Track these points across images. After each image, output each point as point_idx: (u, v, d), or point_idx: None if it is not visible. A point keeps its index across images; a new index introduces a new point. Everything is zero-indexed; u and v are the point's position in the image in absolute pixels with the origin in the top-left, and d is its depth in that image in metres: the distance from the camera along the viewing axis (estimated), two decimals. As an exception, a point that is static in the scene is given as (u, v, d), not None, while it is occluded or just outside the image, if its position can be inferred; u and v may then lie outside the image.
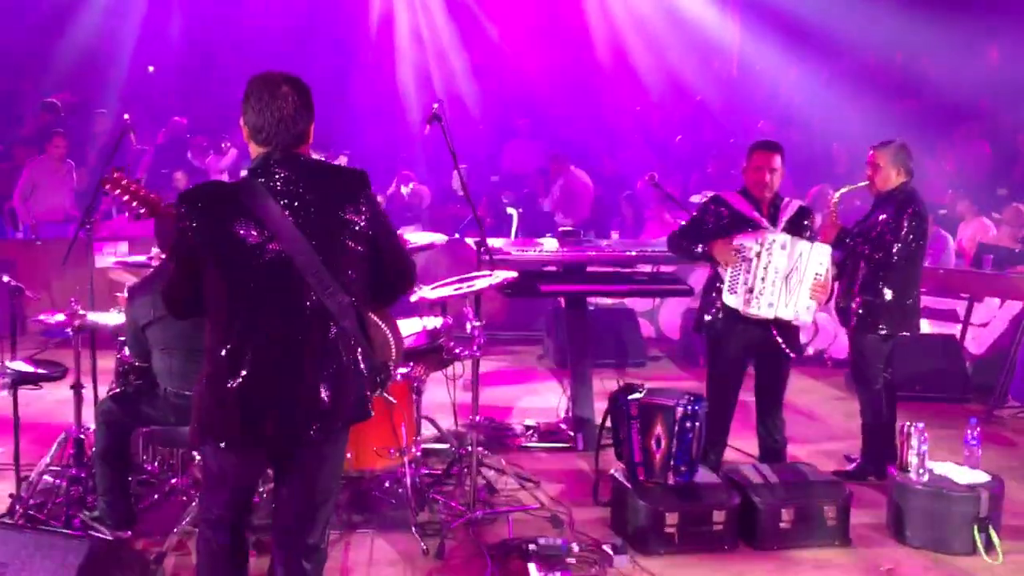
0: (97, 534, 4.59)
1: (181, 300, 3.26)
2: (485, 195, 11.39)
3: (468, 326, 5.13)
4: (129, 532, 4.77)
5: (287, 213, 3.07)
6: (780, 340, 5.32)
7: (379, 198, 9.15)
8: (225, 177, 10.97)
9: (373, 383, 3.32)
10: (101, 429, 4.80)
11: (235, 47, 14.91)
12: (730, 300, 5.24)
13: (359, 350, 3.20)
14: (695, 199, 9.53)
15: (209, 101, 13.71)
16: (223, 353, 3.09)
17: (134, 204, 3.48)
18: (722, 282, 5.32)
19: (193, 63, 15.00)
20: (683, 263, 7.28)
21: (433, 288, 5.30)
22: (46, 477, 5.17)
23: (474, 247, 5.63)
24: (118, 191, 3.47)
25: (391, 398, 4.83)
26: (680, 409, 4.93)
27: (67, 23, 13.97)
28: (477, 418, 5.25)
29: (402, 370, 5.01)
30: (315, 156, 3.36)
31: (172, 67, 14.66)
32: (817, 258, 5.23)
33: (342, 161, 9.73)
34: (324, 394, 3.13)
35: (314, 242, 3.08)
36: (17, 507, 4.87)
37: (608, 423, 5.33)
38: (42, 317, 5.14)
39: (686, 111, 14.41)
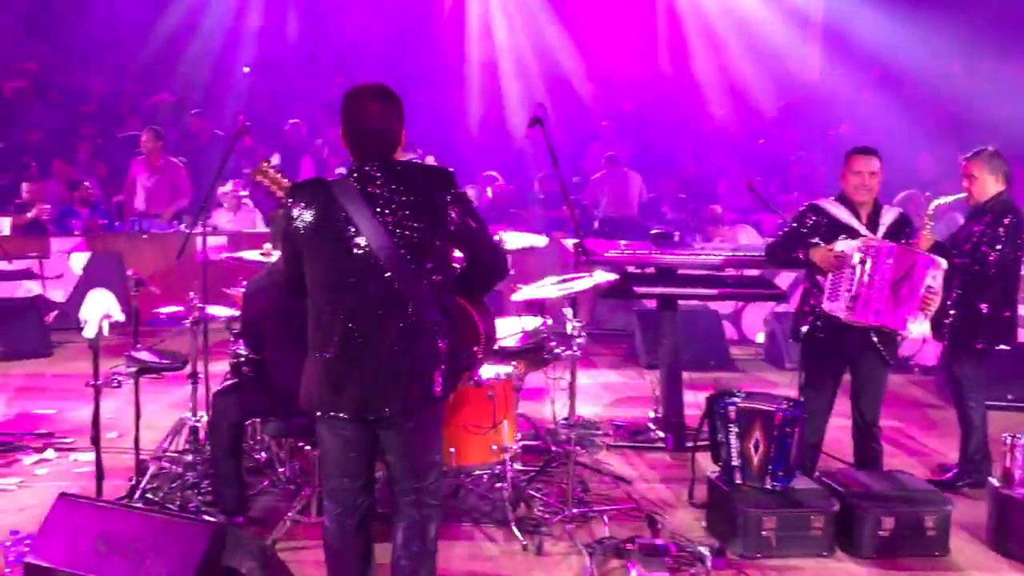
0: (212, 519, 4.70)
1: (290, 282, 3.54)
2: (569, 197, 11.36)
3: (568, 326, 5.14)
4: (241, 518, 4.88)
5: (375, 211, 3.32)
6: (880, 347, 5.23)
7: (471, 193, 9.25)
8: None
9: (455, 367, 3.51)
10: (217, 418, 4.92)
11: (332, 49, 15.15)
12: (831, 307, 5.16)
13: (439, 337, 3.40)
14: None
15: (307, 101, 13.93)
16: (317, 332, 3.43)
17: (280, 195, 3.62)
18: (820, 290, 5.24)
19: (291, 64, 15.25)
20: (774, 268, 7.19)
21: (534, 288, 5.33)
22: (163, 463, 5.33)
23: (570, 248, 5.64)
24: (267, 182, 3.63)
25: (489, 390, 4.86)
26: (780, 414, 4.88)
27: (166, 25, 14.33)
28: (575, 417, 5.27)
29: (505, 369, 5.05)
30: (406, 156, 3.51)
31: (270, 68, 14.91)
32: (931, 270, 5.09)
33: (429, 161, 9.81)
34: (402, 375, 3.37)
35: (399, 239, 3.32)
36: (137, 491, 5.03)
37: (704, 426, 5.30)
38: (161, 309, 5.29)
39: (769, 116, 14.24)
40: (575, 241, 5.62)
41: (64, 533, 4.04)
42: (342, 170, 9.56)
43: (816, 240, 5.22)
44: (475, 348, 3.73)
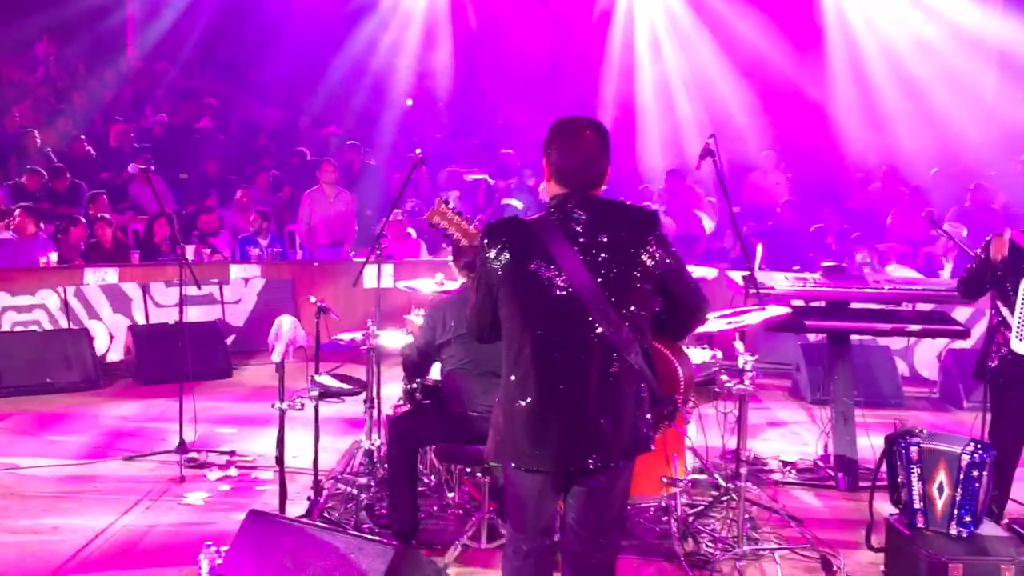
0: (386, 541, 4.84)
1: (483, 325, 3.42)
2: (728, 227, 11.24)
3: (740, 360, 5.07)
4: (413, 541, 5.01)
5: (577, 251, 3.21)
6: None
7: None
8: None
9: (658, 416, 3.39)
10: (392, 444, 5.07)
11: (496, 77, 15.49)
12: (1020, 347, 4.91)
13: (642, 383, 3.27)
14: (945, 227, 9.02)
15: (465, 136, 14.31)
16: (512, 379, 3.28)
17: (457, 236, 3.65)
18: (1008, 327, 5.00)
19: (453, 94, 15.69)
20: (949, 303, 6.91)
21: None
22: (339, 484, 5.52)
23: (737, 281, 5.58)
24: (445, 223, 3.67)
25: (680, 430, 4.85)
26: (967, 456, 4.66)
27: (336, 59, 14.99)
28: (746, 452, 5.18)
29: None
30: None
31: (429, 100, 15.39)
32: None
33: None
34: (604, 425, 3.22)
35: (602, 280, 3.19)
36: (315, 510, 5.23)
37: (883, 465, 5.11)
38: (340, 336, 5.51)
39: (941, 143, 13.69)
40: (745, 274, 5.55)
41: (254, 548, 4.25)
42: (511, 201, 9.72)
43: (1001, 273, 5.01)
44: (676, 396, 3.60)
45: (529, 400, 3.24)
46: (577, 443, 3.23)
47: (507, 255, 3.26)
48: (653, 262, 3.25)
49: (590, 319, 3.19)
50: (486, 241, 3.31)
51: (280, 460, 5.04)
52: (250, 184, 12.23)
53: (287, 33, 14.87)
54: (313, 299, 5.43)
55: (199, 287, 8.11)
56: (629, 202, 3.53)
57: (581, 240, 3.22)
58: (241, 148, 13.82)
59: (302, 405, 5.08)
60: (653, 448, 3.39)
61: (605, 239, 3.23)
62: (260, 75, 15.34)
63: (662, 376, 3.41)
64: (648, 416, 3.32)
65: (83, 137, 12.69)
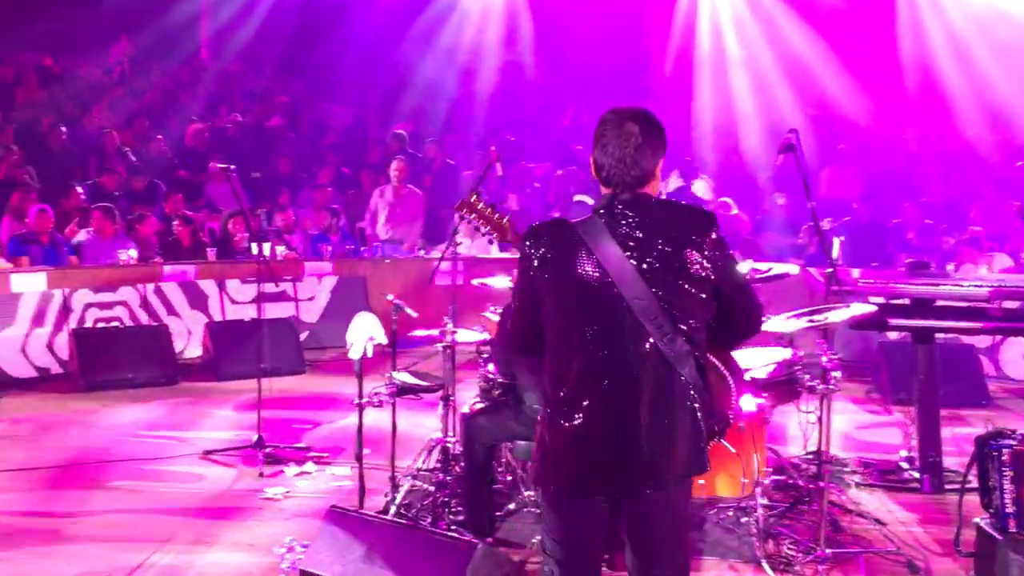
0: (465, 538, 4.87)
1: (524, 336, 3.16)
2: (806, 222, 11.06)
3: (824, 359, 4.99)
4: (490, 539, 5.02)
5: (627, 255, 2.95)
6: None
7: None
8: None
9: (711, 432, 3.15)
10: (469, 441, 5.09)
11: (568, 76, 15.47)
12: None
13: (697, 398, 3.02)
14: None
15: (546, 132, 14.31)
16: (561, 395, 3.01)
17: (487, 228, 3.61)
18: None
19: (529, 95, 15.72)
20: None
21: (786, 319, 5.21)
22: (415, 481, 5.56)
23: (817, 277, 5.49)
24: (473, 215, 3.62)
25: (731, 447, 4.79)
26: (1062, 460, 4.53)
27: (407, 57, 15.11)
28: (829, 453, 5.10)
29: (756, 400, 4.96)
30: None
31: (507, 98, 15.42)
32: None
33: (674, 179, 9.80)
34: (659, 445, 2.97)
35: (654, 287, 2.94)
36: (391, 506, 5.28)
37: (973, 468, 4.99)
38: (417, 332, 5.55)
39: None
40: (829, 271, 5.46)
41: (335, 543, 4.31)
42: (583, 198, 9.68)
43: None
44: (728, 411, 3.45)
45: (579, 419, 2.97)
46: (630, 467, 2.97)
47: (552, 260, 3.00)
48: (709, 267, 2.99)
49: (643, 330, 2.94)
50: (528, 244, 3.06)
51: (359, 456, 5.10)
52: (321, 182, 12.38)
53: (360, 30, 15.03)
54: (390, 296, 5.47)
55: (277, 284, 8.26)
56: (683, 202, 3.35)
57: (632, 244, 2.96)
58: (311, 146, 14.00)
59: (380, 401, 5.13)
60: (709, 468, 3.13)
61: (659, 243, 2.97)
62: (331, 73, 15.55)
63: (714, 389, 3.20)
64: (704, 433, 3.06)
65: (160, 136, 12.98)
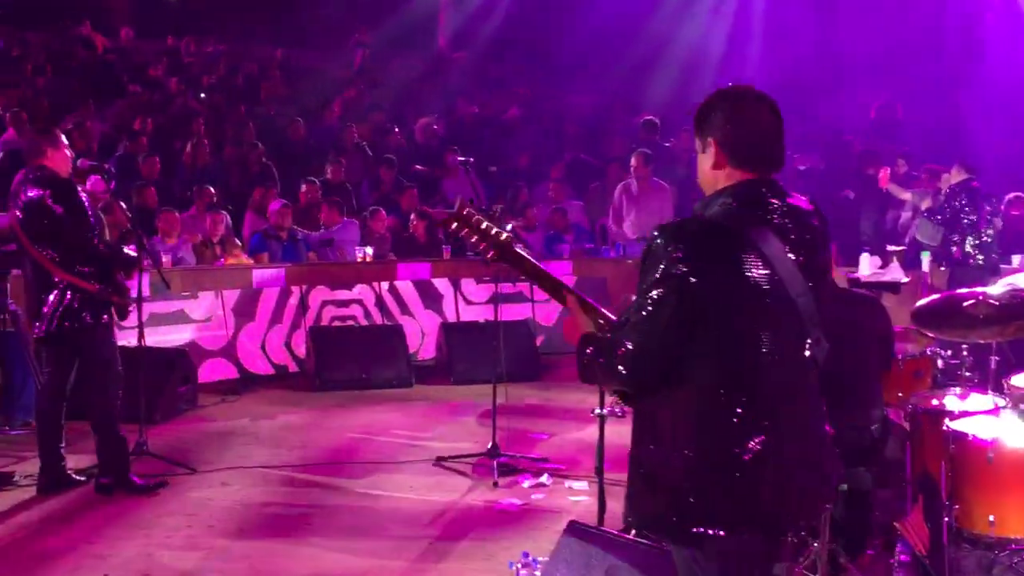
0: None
1: (655, 355, 2.76)
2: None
3: None
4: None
5: (788, 250, 2.78)
6: None
7: None
8: None
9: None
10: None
11: (816, 63, 14.99)
12: None
13: (825, 419, 2.94)
14: None
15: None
16: (720, 421, 2.73)
17: (483, 245, 3.19)
18: None
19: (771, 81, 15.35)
20: None
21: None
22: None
23: None
24: (465, 230, 3.20)
25: None
26: None
27: (646, 45, 15.09)
28: None
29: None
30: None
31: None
32: None
33: (956, 172, 9.26)
34: (817, 475, 2.84)
35: (812, 285, 2.82)
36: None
37: None
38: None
39: None
40: None
41: (573, 561, 4.33)
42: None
43: None
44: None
45: (752, 447, 2.71)
46: (810, 491, 2.82)
47: (714, 265, 2.73)
48: (829, 269, 3.04)
49: (804, 335, 2.81)
50: (679, 252, 2.71)
51: (599, 470, 5.12)
52: (555, 178, 12.53)
53: (600, 18, 15.16)
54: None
55: (513, 284, 8.42)
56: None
57: (792, 237, 2.80)
58: (549, 139, 14.23)
59: (623, 411, 5.12)
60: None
61: (803, 236, 2.83)
62: (569, 61, 15.74)
63: None
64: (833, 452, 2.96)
65: (396, 130, 13.61)
